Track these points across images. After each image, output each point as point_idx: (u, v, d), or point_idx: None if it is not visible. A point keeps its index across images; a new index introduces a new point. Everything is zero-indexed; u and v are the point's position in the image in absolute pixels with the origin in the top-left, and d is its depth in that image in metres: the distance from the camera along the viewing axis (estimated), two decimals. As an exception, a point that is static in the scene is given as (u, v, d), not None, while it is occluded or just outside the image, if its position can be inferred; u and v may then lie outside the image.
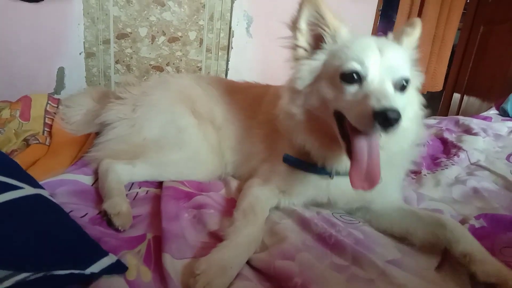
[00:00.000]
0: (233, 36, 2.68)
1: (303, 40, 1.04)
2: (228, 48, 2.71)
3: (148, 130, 1.25)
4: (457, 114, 3.35)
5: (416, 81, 1.09)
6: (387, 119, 0.81)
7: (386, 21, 4.59)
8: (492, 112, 2.39)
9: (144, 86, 1.39)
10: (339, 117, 0.94)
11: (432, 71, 3.81)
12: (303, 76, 1.03)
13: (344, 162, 1.02)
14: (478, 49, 3.41)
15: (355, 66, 0.92)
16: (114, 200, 0.98)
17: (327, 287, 0.78)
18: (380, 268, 0.85)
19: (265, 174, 1.15)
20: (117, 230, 0.92)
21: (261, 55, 2.78)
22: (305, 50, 1.05)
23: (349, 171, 0.90)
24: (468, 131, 1.88)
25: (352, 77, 0.93)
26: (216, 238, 0.93)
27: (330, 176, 1.06)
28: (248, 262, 0.85)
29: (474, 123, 1.96)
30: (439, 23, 3.62)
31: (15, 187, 0.76)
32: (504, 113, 2.34)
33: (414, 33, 1.10)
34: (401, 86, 0.96)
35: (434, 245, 0.96)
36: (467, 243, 0.90)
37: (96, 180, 1.14)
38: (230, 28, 2.66)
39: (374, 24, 3.06)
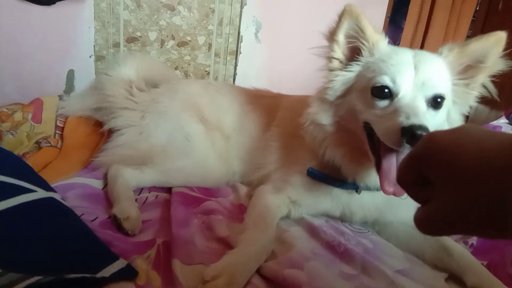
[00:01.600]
0: (241, 41, 2.69)
1: (340, 52, 1.02)
2: (236, 53, 2.72)
3: (155, 137, 1.26)
4: (466, 122, 3.32)
5: (463, 101, 1.01)
6: (414, 136, 0.77)
7: (395, 27, 4.59)
8: (502, 121, 2.37)
9: (153, 93, 1.40)
10: (369, 129, 0.92)
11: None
12: (335, 87, 1.01)
13: (373, 177, 1.00)
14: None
15: (386, 81, 0.90)
16: (123, 205, 0.99)
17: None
18: (389, 278, 0.85)
19: (277, 183, 1.14)
20: (126, 234, 0.93)
21: (269, 61, 2.79)
22: (340, 62, 1.03)
23: (379, 177, 0.87)
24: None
25: (383, 92, 0.90)
26: (225, 244, 0.93)
27: (357, 191, 1.04)
28: (257, 270, 0.84)
29: (483, 132, 1.93)
30: (448, 30, 3.61)
31: (28, 190, 0.77)
32: (513, 122, 2.32)
33: (458, 46, 0.97)
34: (435, 103, 0.91)
35: (443, 269, 0.95)
36: (475, 275, 0.88)
37: (106, 184, 1.14)
38: (239, 33, 2.67)
39: (383, 31, 3.06)
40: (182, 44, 2.55)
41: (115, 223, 0.95)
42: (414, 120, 0.80)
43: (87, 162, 1.26)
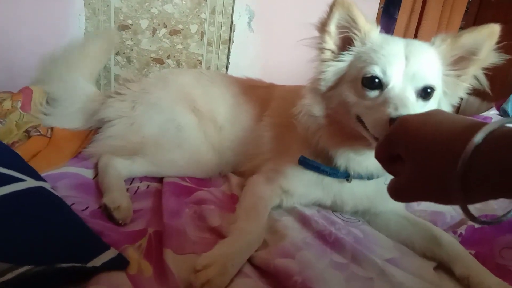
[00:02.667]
0: (234, 30, 2.66)
1: (331, 42, 1.01)
2: (229, 42, 2.70)
3: (147, 128, 1.25)
4: (457, 113, 3.34)
5: (454, 92, 1.01)
6: None
7: (388, 18, 4.58)
8: (493, 112, 2.39)
9: (143, 83, 1.39)
10: (362, 121, 0.93)
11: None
12: (327, 78, 1.01)
13: (365, 165, 1.01)
14: (479, 49, 3.40)
15: (376, 72, 0.90)
16: (114, 195, 0.99)
17: (327, 286, 0.79)
18: (379, 267, 0.86)
19: (269, 173, 1.14)
20: (117, 224, 0.92)
21: (262, 50, 2.77)
22: (332, 52, 1.02)
23: None
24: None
25: (373, 82, 0.90)
26: (217, 234, 0.94)
27: (347, 180, 1.04)
28: (248, 260, 0.85)
29: (474, 123, 1.95)
30: (441, 22, 3.61)
31: (18, 179, 0.76)
32: (504, 114, 2.34)
33: (451, 36, 0.97)
34: (425, 94, 0.91)
35: (432, 259, 0.97)
36: (464, 265, 0.90)
37: (96, 174, 1.13)
38: (231, 22, 2.64)
39: (376, 21, 3.05)
40: (174, 32, 2.52)
41: (106, 212, 0.94)
42: (402, 111, 0.80)
43: (77, 152, 1.24)
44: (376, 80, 0.90)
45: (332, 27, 1.00)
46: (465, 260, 0.91)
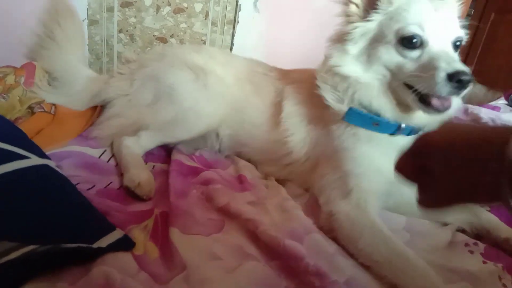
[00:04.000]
0: (239, 10, 2.61)
1: None
2: (234, 22, 2.65)
3: (142, 100, 1.24)
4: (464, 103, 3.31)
5: None
6: (461, 80, 0.83)
7: None
8: (501, 102, 2.36)
9: (142, 59, 1.37)
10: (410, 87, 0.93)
11: (438, 56, 3.75)
12: (355, 39, 0.99)
13: (417, 116, 0.99)
14: (488, 37, 3.35)
15: (415, 30, 0.91)
16: (131, 173, 1.00)
17: (337, 272, 0.77)
18: None
19: (337, 189, 0.97)
20: (143, 200, 0.95)
21: (268, 32, 2.72)
22: (357, 6, 1.00)
23: None
24: (476, 120, 1.85)
25: (413, 42, 0.91)
26: (224, 214, 0.92)
27: (395, 132, 0.98)
28: (255, 239, 0.83)
29: (483, 112, 1.93)
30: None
31: (22, 157, 0.74)
32: (512, 104, 2.32)
33: None
34: (455, 47, 0.95)
35: (470, 230, 0.99)
36: (506, 230, 0.95)
37: (103, 152, 1.14)
38: (237, 1, 2.59)
39: None
40: (178, 10, 2.47)
41: (129, 193, 0.96)
42: (456, 66, 0.85)
43: (82, 130, 1.23)
44: (415, 40, 0.91)
45: None
46: (504, 226, 0.96)
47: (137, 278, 0.69)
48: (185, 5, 2.47)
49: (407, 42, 0.92)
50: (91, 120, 1.28)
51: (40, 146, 0.90)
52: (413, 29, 0.91)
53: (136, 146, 1.14)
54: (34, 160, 0.76)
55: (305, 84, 1.17)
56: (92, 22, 2.27)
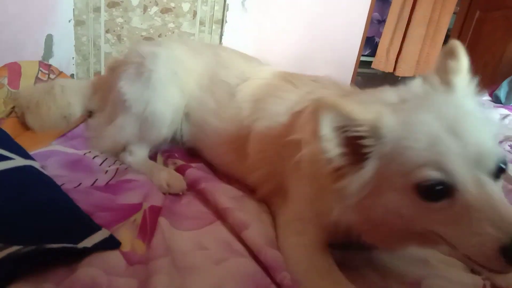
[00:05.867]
0: (227, 10, 2.62)
1: (333, 145, 0.69)
2: (222, 21, 2.65)
3: (110, 118, 1.19)
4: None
5: None
6: None
7: (382, 1, 4.54)
8: (485, 98, 2.40)
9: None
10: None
11: (425, 54, 3.81)
12: (353, 193, 0.70)
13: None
14: (473, 35, 3.40)
15: (434, 175, 0.62)
16: (156, 178, 1.04)
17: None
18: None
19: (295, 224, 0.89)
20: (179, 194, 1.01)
21: (256, 31, 2.73)
22: (342, 155, 0.70)
23: None
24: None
25: (436, 191, 0.63)
26: (213, 211, 0.93)
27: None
28: (241, 239, 0.84)
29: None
30: (435, 6, 3.60)
31: (6, 158, 0.74)
32: (496, 100, 2.36)
33: (462, 64, 0.76)
34: (497, 172, 0.66)
35: None
36: None
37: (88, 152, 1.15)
38: (225, 1, 2.60)
39: (370, 5, 3.02)
40: (165, 10, 2.47)
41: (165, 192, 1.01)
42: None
43: (66, 130, 1.22)
44: (439, 187, 0.63)
45: (327, 132, 0.69)
46: None
47: (125, 275, 0.69)
48: (173, 4, 2.47)
49: (427, 191, 0.64)
50: (74, 121, 1.27)
51: (24, 147, 0.90)
52: (429, 175, 0.62)
53: (132, 156, 1.14)
54: (18, 161, 0.76)
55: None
56: (79, 23, 2.26)
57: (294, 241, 0.85)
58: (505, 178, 1.20)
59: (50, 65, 1.41)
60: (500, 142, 1.57)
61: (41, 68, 1.36)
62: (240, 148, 1.06)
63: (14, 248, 0.62)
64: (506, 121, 1.91)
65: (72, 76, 2.10)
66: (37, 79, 1.33)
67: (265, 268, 0.77)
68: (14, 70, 1.27)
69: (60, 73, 1.41)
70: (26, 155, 0.82)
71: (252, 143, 1.04)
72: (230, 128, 1.11)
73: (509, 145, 1.49)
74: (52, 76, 1.38)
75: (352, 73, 3.09)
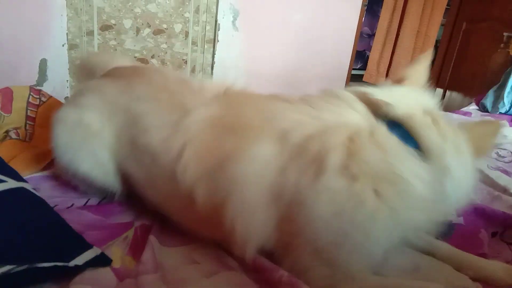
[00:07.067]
0: (219, 30, 2.67)
1: None
2: (214, 41, 2.70)
3: None
4: (440, 108, 3.40)
5: None
6: None
7: (371, 16, 4.64)
8: (472, 107, 2.44)
9: None
10: None
11: (415, 66, 3.87)
12: None
13: None
14: (461, 46, 3.47)
15: None
16: None
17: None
18: None
19: None
20: None
21: (248, 49, 2.79)
22: None
23: None
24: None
25: None
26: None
27: None
28: (230, 253, 0.84)
29: (454, 118, 2.00)
30: (423, 18, 3.67)
31: (-1, 180, 0.76)
32: (483, 109, 2.40)
33: None
34: None
35: None
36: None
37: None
38: (216, 21, 2.65)
39: (359, 19, 3.09)
40: (158, 32, 2.52)
41: None
42: None
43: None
44: None
45: None
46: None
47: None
48: (165, 26, 2.53)
49: None
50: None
51: (18, 170, 0.92)
52: None
53: None
54: (10, 184, 0.77)
55: None
56: (72, 46, 2.30)
57: None
58: (491, 184, 1.23)
59: (40, 90, 1.44)
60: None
61: (31, 93, 1.38)
62: None
63: (6, 268, 0.64)
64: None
65: (66, 99, 2.13)
66: (29, 103, 1.35)
67: (256, 280, 0.78)
68: (6, 95, 1.30)
69: (50, 97, 1.43)
70: (18, 178, 0.83)
71: None
72: None
73: (495, 153, 1.52)
74: (43, 99, 1.40)
75: (344, 87, 3.13)
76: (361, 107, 0.77)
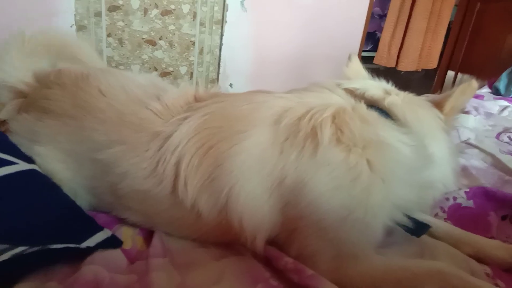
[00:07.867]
0: (227, 10, 2.64)
1: None
2: (222, 22, 2.67)
3: None
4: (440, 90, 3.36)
5: None
6: None
7: (383, -3, 4.53)
8: (485, 90, 2.40)
9: None
10: None
11: (427, 48, 3.79)
12: None
13: None
14: (474, 27, 3.39)
15: None
16: None
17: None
18: None
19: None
20: None
21: (256, 30, 2.75)
22: None
23: None
24: (458, 109, 1.88)
25: None
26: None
27: None
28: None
29: (466, 101, 1.97)
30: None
31: (10, 163, 0.76)
32: (496, 92, 2.35)
33: None
34: None
35: None
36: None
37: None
38: (224, 1, 2.61)
39: (370, 2, 3.02)
40: (166, 12, 2.49)
41: None
42: None
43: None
44: None
45: None
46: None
47: (126, 272, 0.72)
48: (173, 6, 2.50)
49: None
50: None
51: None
52: None
53: None
54: (21, 166, 0.78)
55: None
56: (80, 28, 2.29)
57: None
58: (502, 168, 1.22)
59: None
60: (499, 133, 1.58)
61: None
62: None
63: (20, 249, 0.65)
64: (506, 112, 1.91)
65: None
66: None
67: (265, 264, 0.78)
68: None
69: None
70: (29, 160, 0.84)
71: None
72: None
73: (507, 137, 1.50)
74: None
75: (353, 69, 3.09)
76: (341, 92, 0.85)
